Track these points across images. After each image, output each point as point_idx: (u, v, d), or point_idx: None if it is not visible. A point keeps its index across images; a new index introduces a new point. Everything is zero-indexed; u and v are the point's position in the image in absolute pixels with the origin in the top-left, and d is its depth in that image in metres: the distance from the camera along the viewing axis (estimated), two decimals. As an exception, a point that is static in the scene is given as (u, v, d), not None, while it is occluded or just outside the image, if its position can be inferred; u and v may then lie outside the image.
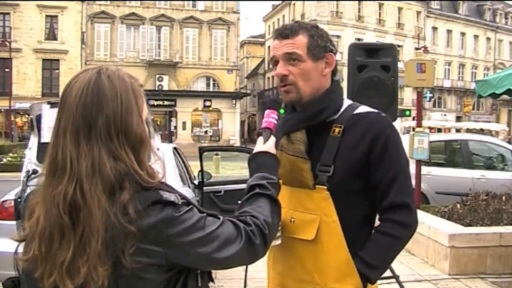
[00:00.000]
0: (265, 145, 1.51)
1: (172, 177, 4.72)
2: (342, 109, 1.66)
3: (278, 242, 1.62)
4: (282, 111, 1.69)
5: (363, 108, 1.66)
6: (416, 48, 27.42)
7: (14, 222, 4.15)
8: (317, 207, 1.59)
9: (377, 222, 1.67)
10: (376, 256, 1.58)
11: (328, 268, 1.57)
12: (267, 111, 1.61)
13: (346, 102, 1.69)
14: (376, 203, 1.62)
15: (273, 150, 1.51)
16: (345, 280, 1.55)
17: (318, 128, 1.63)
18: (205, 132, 37.74)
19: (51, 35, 34.77)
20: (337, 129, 1.60)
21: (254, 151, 1.51)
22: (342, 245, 1.56)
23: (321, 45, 1.63)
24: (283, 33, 1.63)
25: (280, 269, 1.70)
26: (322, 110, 1.63)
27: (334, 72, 1.70)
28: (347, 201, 1.58)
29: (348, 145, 1.58)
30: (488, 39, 51.80)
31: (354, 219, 1.60)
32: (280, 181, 1.64)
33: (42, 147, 4.47)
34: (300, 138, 1.64)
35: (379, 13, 44.40)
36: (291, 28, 1.64)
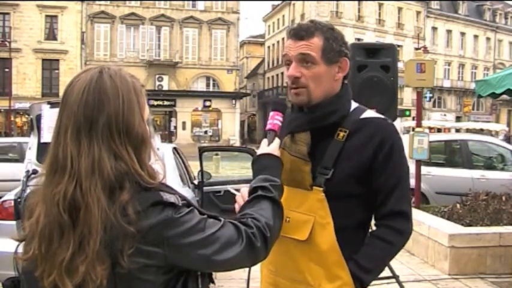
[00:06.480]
0: (269, 147, 1.50)
1: (172, 178, 4.71)
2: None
3: None
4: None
5: (369, 113, 1.65)
6: (416, 48, 27.41)
7: (13, 222, 4.15)
8: (312, 209, 1.59)
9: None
10: (372, 261, 1.59)
11: (320, 269, 1.58)
12: (271, 113, 1.59)
13: (353, 105, 1.68)
14: (374, 208, 1.63)
15: (277, 153, 1.49)
16: (337, 281, 1.56)
17: (323, 130, 1.62)
18: (205, 132, 37.74)
19: (51, 35, 34.74)
20: (341, 134, 1.60)
21: (258, 153, 1.50)
22: (334, 247, 1.56)
23: (335, 49, 1.60)
24: (299, 34, 1.59)
25: (274, 268, 1.70)
26: (330, 113, 1.62)
27: (345, 76, 1.68)
28: (344, 205, 1.58)
29: (351, 149, 1.58)
30: (488, 39, 51.79)
31: (350, 223, 1.61)
32: None
33: (42, 147, 4.48)
34: (303, 140, 1.62)
35: (379, 13, 44.40)
36: (307, 29, 1.59)
